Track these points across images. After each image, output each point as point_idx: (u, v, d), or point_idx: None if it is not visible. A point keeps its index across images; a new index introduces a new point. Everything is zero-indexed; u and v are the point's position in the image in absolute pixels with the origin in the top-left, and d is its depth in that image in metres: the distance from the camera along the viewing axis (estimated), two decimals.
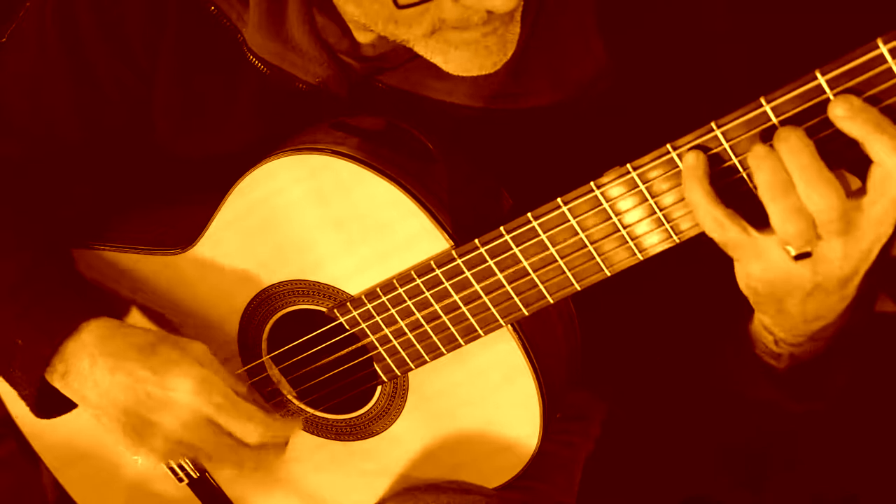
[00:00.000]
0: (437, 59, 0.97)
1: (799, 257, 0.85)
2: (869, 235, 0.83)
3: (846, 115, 0.79)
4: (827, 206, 0.81)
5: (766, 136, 0.84)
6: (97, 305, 1.13)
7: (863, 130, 0.79)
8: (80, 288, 1.17)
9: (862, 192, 0.83)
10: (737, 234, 0.86)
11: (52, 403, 1.14)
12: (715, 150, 0.86)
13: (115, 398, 1.07)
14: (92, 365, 1.08)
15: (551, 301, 0.99)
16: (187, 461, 1.25)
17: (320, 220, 1.05)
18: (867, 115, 0.79)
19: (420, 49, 0.97)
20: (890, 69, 0.78)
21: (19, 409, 1.29)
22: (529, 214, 0.96)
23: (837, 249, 0.84)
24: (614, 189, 0.91)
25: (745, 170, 0.86)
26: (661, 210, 0.91)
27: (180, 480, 1.28)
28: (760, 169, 0.83)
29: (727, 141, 0.85)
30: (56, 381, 1.10)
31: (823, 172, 0.81)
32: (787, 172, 0.82)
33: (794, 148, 0.81)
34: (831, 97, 0.80)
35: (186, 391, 1.04)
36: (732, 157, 0.86)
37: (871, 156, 0.80)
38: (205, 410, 1.04)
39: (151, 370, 1.05)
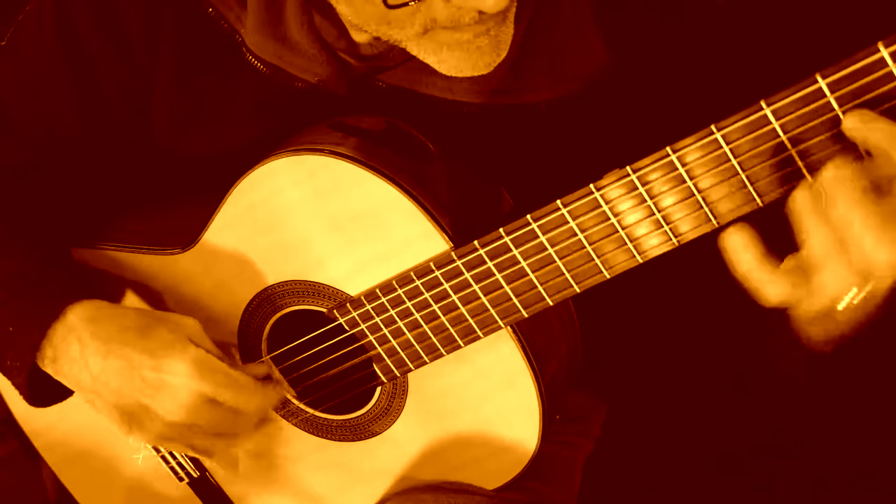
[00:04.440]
0: (430, 60, 0.97)
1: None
2: None
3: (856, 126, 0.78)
4: (891, 259, 0.77)
5: (767, 139, 0.84)
6: (85, 290, 1.12)
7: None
8: (72, 276, 1.17)
9: None
10: (807, 294, 0.83)
11: (46, 392, 1.13)
12: (715, 153, 0.86)
13: (108, 382, 1.06)
14: (82, 349, 1.07)
15: (550, 303, 0.99)
16: (187, 459, 1.25)
17: (319, 221, 1.05)
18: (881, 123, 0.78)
19: (413, 49, 0.97)
20: (891, 73, 0.78)
21: (20, 408, 1.29)
22: (529, 216, 0.95)
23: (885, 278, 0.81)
24: (614, 191, 0.91)
25: (744, 171, 0.86)
26: (660, 212, 0.91)
27: (180, 479, 1.28)
28: (817, 234, 0.79)
29: (727, 144, 0.85)
30: (47, 367, 1.10)
31: (888, 223, 0.77)
32: (838, 229, 0.78)
33: (849, 200, 0.76)
34: (832, 100, 0.80)
35: (183, 374, 1.04)
36: (732, 159, 0.86)
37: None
38: (204, 390, 1.04)
39: (146, 353, 1.05)
